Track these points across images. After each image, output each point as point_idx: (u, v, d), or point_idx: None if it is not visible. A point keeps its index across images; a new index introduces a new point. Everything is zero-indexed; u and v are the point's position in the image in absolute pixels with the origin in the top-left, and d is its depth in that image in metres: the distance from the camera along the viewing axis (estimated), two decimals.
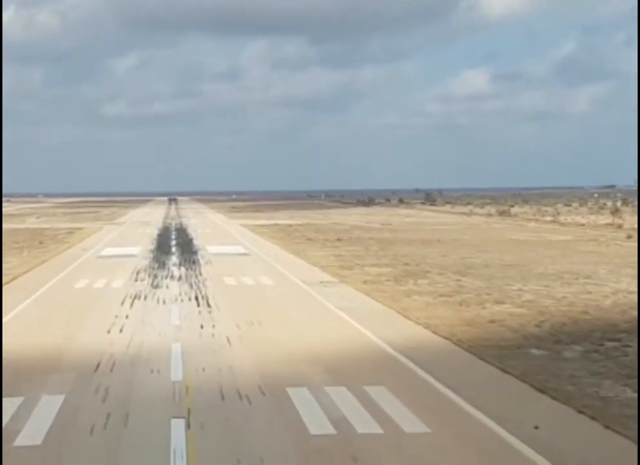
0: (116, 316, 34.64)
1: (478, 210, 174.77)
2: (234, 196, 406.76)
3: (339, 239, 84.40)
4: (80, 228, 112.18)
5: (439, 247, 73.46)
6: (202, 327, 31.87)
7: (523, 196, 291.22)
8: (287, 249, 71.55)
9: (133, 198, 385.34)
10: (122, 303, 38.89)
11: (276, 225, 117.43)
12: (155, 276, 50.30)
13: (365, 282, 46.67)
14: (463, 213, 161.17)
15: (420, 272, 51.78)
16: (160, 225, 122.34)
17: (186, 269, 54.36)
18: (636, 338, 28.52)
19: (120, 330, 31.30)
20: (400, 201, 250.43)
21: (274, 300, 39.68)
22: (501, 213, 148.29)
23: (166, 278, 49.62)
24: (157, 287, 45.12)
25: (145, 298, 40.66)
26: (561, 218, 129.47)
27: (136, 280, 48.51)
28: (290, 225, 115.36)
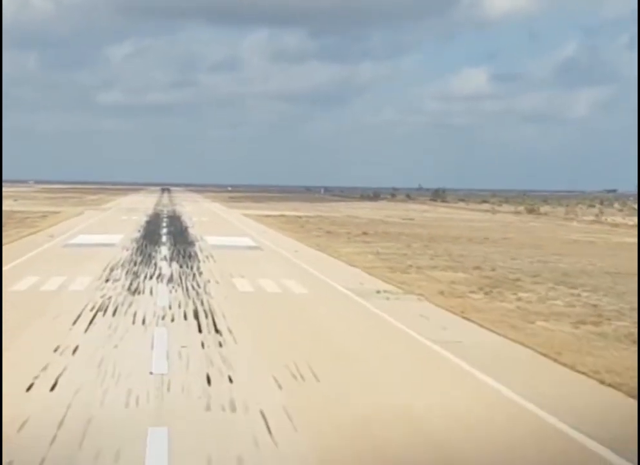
0: (56, 350, 19.65)
1: (497, 208, 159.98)
2: (229, 188, 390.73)
3: (364, 233, 69.62)
4: (57, 212, 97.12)
5: (494, 247, 58.65)
6: (209, 381, 16.93)
7: (529, 196, 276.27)
8: (307, 243, 56.65)
9: (126, 187, 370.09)
10: (76, 321, 23.91)
11: (283, 215, 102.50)
12: (136, 275, 35.41)
13: (442, 293, 31.80)
14: (485, 210, 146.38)
15: (508, 281, 36.94)
16: (150, 211, 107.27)
17: (180, 266, 39.46)
18: None
19: (53, 387, 16.31)
20: (408, 197, 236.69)
21: (321, 323, 24.79)
22: (530, 211, 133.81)
23: (151, 277, 34.76)
24: (136, 292, 30.21)
25: (115, 311, 25.70)
26: (603, 219, 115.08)
27: (107, 280, 33.56)
28: (299, 217, 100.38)
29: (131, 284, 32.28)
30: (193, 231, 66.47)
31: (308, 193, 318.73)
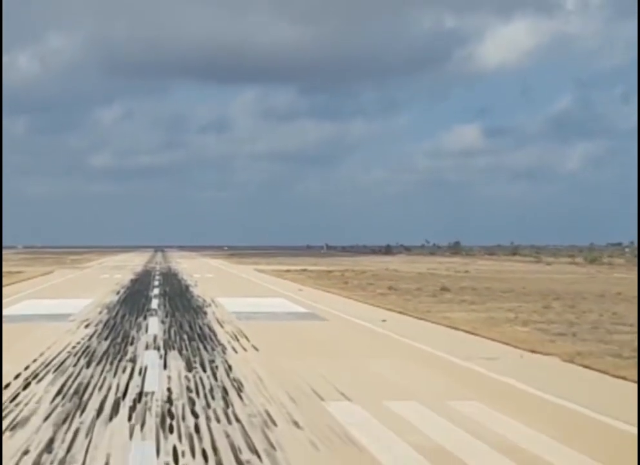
0: None
1: (546, 259, 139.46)
2: (225, 247, 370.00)
3: (444, 289, 48.64)
4: (19, 272, 75.77)
5: None
6: None
7: (549, 249, 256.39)
8: (381, 305, 35.59)
9: (117, 249, 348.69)
10: None
11: (305, 270, 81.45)
12: (80, 398, 14.16)
13: None
14: (533, 262, 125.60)
15: None
16: (139, 269, 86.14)
17: (187, 364, 18.18)
18: None
19: None
20: (423, 248, 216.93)
21: None
22: (592, 262, 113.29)
23: (117, 407, 13.53)
24: None
25: None
26: None
27: None
28: (329, 271, 79.15)
29: (52, 441, 11.03)
30: (197, 291, 45.40)
31: (310, 250, 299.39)
